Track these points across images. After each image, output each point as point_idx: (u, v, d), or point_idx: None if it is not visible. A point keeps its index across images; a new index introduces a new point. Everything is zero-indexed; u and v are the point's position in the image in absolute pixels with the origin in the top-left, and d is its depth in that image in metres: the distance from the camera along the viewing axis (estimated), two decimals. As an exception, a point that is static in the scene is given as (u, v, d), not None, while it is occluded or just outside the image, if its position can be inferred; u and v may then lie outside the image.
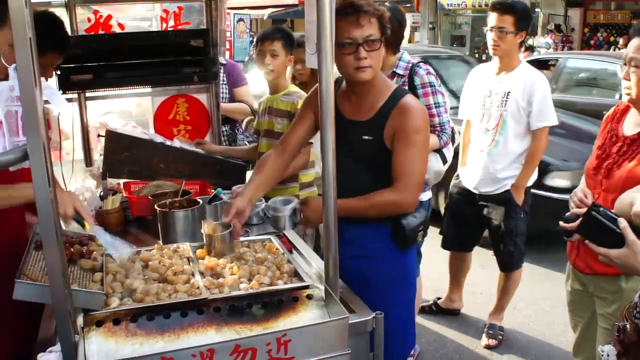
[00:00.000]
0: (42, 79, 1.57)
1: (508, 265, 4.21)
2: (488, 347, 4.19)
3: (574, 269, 2.64)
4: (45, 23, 2.68)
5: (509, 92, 3.84)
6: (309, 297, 2.05)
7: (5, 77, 1.60)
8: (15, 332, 2.41)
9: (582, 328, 2.74)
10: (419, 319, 4.41)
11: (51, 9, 3.53)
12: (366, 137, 2.43)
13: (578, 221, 2.08)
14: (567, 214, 2.37)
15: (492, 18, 3.83)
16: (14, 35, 1.44)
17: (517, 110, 3.84)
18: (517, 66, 3.90)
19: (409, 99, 2.44)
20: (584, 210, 2.17)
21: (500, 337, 4.26)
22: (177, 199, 2.89)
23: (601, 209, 1.89)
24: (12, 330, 2.40)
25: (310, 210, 2.46)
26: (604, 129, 2.63)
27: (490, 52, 3.92)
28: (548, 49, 16.68)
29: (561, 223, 2.32)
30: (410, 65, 3.44)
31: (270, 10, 23.26)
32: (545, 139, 3.88)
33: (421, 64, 3.48)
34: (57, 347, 1.72)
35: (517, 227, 4.03)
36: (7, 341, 2.42)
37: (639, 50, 2.33)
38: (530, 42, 16.80)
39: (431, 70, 3.48)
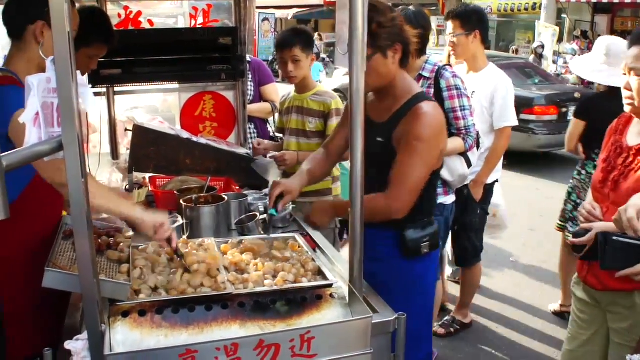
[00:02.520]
0: (78, 72, 1.59)
1: (461, 260, 4.36)
2: (437, 334, 4.28)
3: (585, 285, 2.58)
4: (94, 16, 2.90)
5: (473, 92, 3.95)
6: (333, 295, 2.06)
7: (43, 69, 1.63)
8: (46, 320, 2.46)
9: (582, 341, 2.66)
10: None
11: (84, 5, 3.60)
12: (379, 139, 2.43)
13: (590, 250, 2.12)
14: (577, 229, 2.36)
15: (447, 27, 4.16)
16: (53, 29, 1.47)
17: (480, 110, 3.94)
18: (484, 67, 4.05)
19: (425, 105, 2.40)
20: (594, 224, 2.19)
21: (453, 330, 4.38)
22: (202, 194, 2.93)
23: (613, 237, 1.94)
24: (43, 318, 2.45)
25: (318, 214, 2.62)
26: (608, 142, 2.60)
27: (453, 59, 4.12)
28: (574, 55, 16.51)
29: (571, 239, 2.32)
30: (437, 68, 3.44)
31: (295, 10, 23.36)
32: (506, 138, 3.99)
33: (447, 66, 3.48)
34: (84, 335, 1.74)
35: (472, 223, 4.12)
36: (38, 329, 2.48)
37: (639, 60, 2.31)
38: (556, 48, 16.68)
39: (457, 73, 3.48)
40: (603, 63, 3.94)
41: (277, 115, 4.77)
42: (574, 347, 2.70)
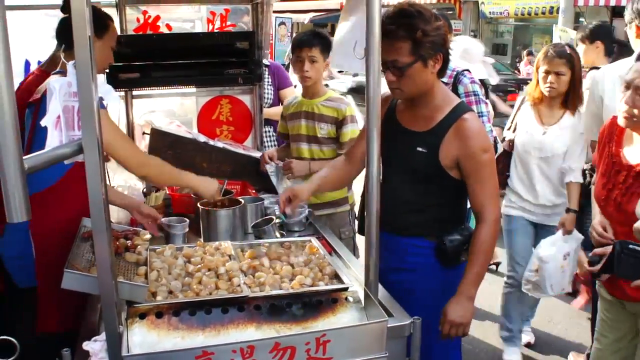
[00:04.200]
0: (99, 76, 1.61)
1: None
2: None
3: (624, 300, 2.56)
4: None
5: None
6: (348, 299, 2.07)
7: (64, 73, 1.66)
8: (63, 310, 2.52)
9: (611, 340, 2.68)
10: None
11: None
12: (420, 149, 2.38)
13: (603, 261, 2.14)
14: (590, 255, 2.37)
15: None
16: (74, 34, 1.49)
17: None
18: None
19: (470, 115, 2.38)
20: (608, 250, 2.23)
21: None
22: (219, 198, 2.95)
23: (629, 245, 2.02)
24: (61, 308, 2.50)
25: (458, 311, 2.33)
26: (602, 150, 2.58)
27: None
28: (592, 59, 16.41)
29: (587, 267, 2.34)
30: (455, 73, 3.43)
31: (311, 14, 23.38)
32: None
33: (465, 72, 3.47)
34: (102, 336, 1.76)
35: None
36: (56, 317, 2.54)
37: None
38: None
39: (475, 79, 3.47)
40: (461, 59, 4.06)
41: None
42: (603, 346, 2.72)
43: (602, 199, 2.50)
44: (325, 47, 3.45)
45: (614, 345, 2.67)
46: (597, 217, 2.56)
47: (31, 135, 2.58)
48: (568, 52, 3.60)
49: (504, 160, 3.80)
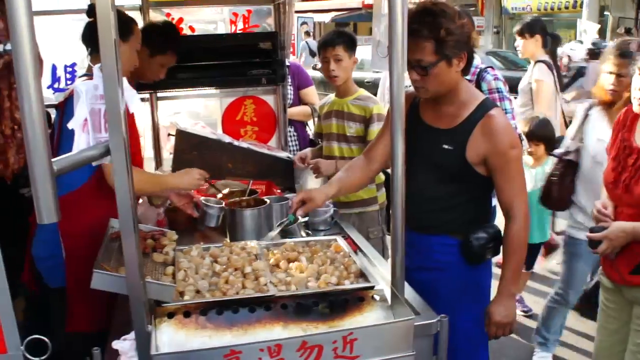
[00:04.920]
0: (124, 79, 1.63)
1: None
2: None
3: (622, 285, 2.56)
4: (171, 27, 3.48)
5: None
6: (375, 297, 2.06)
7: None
8: (92, 310, 2.55)
9: (611, 331, 2.66)
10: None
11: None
12: (446, 147, 2.37)
13: None
14: (595, 225, 2.47)
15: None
16: (100, 38, 1.50)
17: None
18: None
19: (496, 111, 2.36)
20: (610, 223, 2.37)
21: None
22: (244, 197, 2.96)
23: None
24: (90, 307, 2.54)
25: (503, 312, 2.37)
26: (616, 138, 2.57)
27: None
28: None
29: (587, 234, 2.44)
30: (478, 70, 3.41)
31: (333, 13, 23.40)
32: None
33: (489, 69, 3.45)
34: (131, 335, 1.78)
35: None
36: (85, 317, 2.61)
37: None
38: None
39: (499, 75, 3.44)
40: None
41: (317, 118, 4.80)
42: (604, 337, 2.72)
43: (611, 182, 2.51)
44: (349, 44, 3.46)
45: (614, 337, 2.65)
46: (601, 198, 2.61)
47: (58, 137, 2.62)
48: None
49: (572, 172, 3.47)
